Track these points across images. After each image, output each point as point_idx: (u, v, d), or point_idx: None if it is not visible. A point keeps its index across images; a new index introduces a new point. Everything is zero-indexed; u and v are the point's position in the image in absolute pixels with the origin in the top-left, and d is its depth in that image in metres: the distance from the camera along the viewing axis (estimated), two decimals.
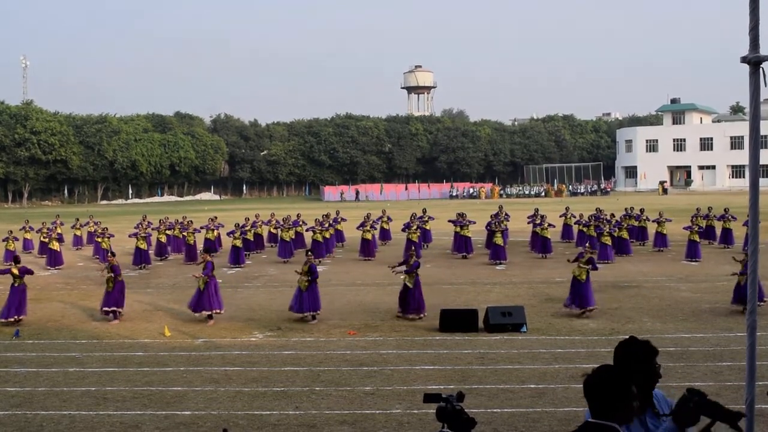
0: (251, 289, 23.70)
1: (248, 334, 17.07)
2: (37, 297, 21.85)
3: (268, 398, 12.07)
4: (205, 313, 18.38)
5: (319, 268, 27.24)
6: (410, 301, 18.47)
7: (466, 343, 15.77)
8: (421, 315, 18.30)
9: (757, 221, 4.73)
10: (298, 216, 35.53)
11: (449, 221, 32.54)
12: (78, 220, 39.41)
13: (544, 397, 11.86)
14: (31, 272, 19.50)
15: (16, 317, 18.40)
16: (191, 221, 33.30)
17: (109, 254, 20.29)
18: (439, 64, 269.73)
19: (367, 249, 30.98)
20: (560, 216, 36.29)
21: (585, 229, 32.21)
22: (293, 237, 32.33)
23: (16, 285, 18.78)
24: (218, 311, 18.50)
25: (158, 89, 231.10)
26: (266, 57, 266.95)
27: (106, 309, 18.79)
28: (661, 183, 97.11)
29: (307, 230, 32.81)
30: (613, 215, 34.10)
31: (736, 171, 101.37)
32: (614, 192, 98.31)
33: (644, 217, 34.66)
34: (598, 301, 20.27)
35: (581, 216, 34.30)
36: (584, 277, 18.53)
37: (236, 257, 29.16)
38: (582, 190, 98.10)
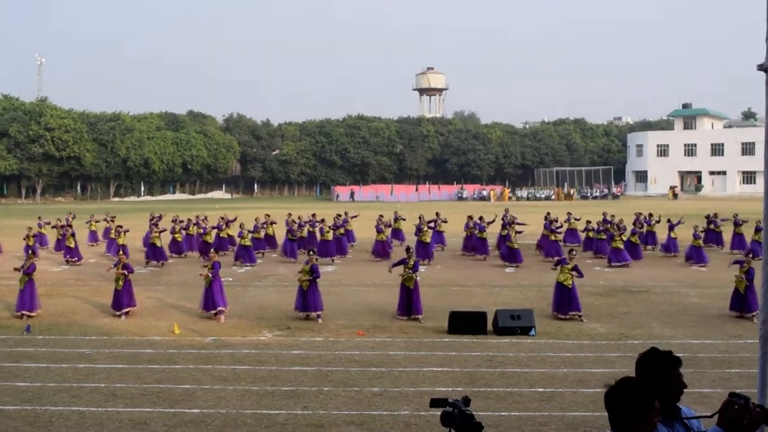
0: (261, 288, 23.74)
1: (257, 333, 17.11)
2: (48, 292, 21.96)
3: (277, 397, 12.10)
4: (213, 311, 18.56)
5: (329, 268, 27.35)
6: (412, 303, 18.53)
7: (474, 345, 15.76)
8: (419, 317, 18.35)
9: None
10: (313, 216, 35.51)
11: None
12: (93, 216, 39.46)
13: (551, 401, 11.85)
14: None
15: (26, 312, 18.59)
16: (206, 217, 33.39)
17: (121, 253, 20.43)
18: (451, 67, 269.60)
19: (381, 250, 30.87)
20: (565, 221, 35.58)
21: (596, 235, 32.05)
22: (305, 237, 32.46)
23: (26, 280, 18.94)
24: (222, 308, 18.65)
25: (171, 88, 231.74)
26: (279, 56, 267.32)
27: (118, 313, 18.92)
28: (672, 188, 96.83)
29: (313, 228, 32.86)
30: (622, 220, 33.79)
31: (747, 177, 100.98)
32: (624, 196, 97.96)
33: (654, 221, 34.58)
34: (607, 306, 20.28)
35: (588, 223, 33.83)
36: (570, 283, 18.55)
37: (248, 256, 29.23)
38: (592, 194, 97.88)
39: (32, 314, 18.64)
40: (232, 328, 17.67)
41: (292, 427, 10.64)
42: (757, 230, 29.82)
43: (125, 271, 19.10)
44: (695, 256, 28.89)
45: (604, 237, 30.92)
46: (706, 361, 14.33)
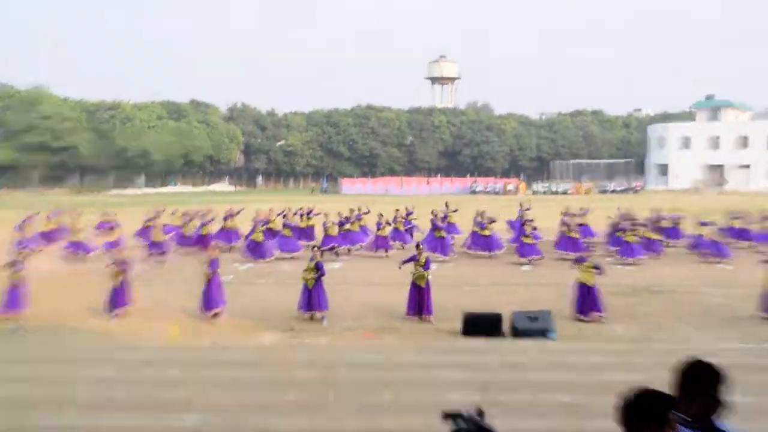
0: (263, 287, 22.91)
1: (259, 335, 16.26)
2: (38, 290, 20.96)
3: (279, 407, 11.29)
4: (212, 312, 17.80)
5: (335, 265, 26.38)
6: (423, 302, 17.68)
7: (490, 349, 14.87)
8: (430, 317, 17.54)
9: None
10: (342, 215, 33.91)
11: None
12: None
13: (573, 410, 10.95)
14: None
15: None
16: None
17: (118, 248, 19.64)
18: (463, 55, 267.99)
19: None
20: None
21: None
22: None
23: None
24: (220, 308, 17.91)
25: (173, 76, 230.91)
26: (285, 44, 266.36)
27: (112, 313, 18.04)
28: (694, 182, 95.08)
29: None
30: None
31: None
32: (644, 191, 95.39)
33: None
34: (629, 306, 19.40)
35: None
36: (593, 282, 17.63)
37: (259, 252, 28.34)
38: (612, 189, 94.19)
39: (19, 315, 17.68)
40: (232, 328, 16.83)
41: None
42: (703, 224, 30.21)
43: (122, 268, 18.30)
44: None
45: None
46: (735, 366, 13.34)
